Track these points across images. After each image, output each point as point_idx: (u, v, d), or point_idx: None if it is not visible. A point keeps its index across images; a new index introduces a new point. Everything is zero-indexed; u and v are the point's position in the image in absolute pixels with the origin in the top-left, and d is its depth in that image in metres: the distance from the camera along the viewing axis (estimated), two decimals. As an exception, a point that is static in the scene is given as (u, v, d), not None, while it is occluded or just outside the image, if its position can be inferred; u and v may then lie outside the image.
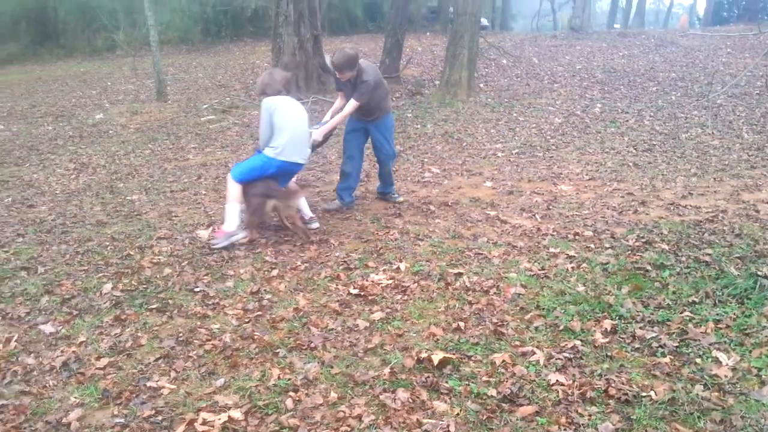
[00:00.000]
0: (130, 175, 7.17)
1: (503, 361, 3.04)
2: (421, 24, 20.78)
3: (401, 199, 5.71)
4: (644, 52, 15.02)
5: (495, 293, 3.79)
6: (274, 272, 4.30)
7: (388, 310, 3.68)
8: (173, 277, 4.32)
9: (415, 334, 3.39)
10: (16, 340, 3.56)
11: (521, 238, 4.63)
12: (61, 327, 3.71)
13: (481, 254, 4.38)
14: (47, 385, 3.15)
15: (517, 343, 3.23)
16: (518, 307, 3.61)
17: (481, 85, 11.28)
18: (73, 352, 3.42)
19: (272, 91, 4.80)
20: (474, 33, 10.47)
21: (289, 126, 4.74)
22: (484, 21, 19.96)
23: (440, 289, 3.90)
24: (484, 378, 2.93)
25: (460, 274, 4.06)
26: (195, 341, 3.49)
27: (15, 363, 3.34)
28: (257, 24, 21.25)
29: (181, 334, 3.57)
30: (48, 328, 3.69)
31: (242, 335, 3.51)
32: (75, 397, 3.02)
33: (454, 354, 3.13)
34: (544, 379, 2.88)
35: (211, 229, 5.16)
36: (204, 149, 8.37)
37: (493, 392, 2.81)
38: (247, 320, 3.69)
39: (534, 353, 3.11)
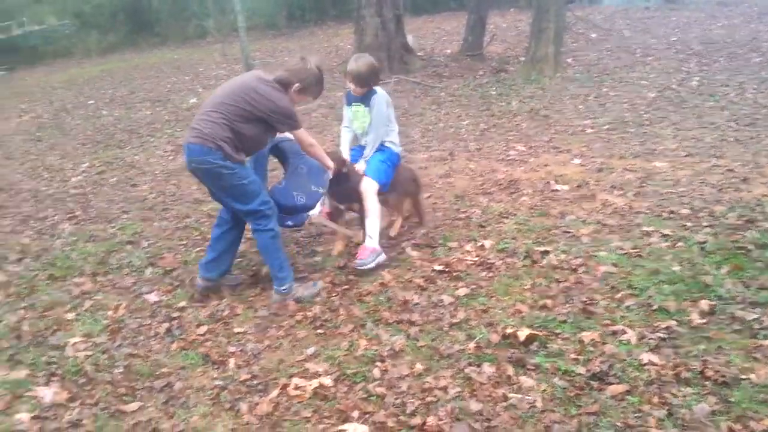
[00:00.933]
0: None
1: (592, 339, 2.99)
2: (506, 0, 20.27)
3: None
4: (746, 21, 14.04)
5: (584, 272, 3.71)
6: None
7: (473, 286, 3.68)
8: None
9: (500, 311, 3.38)
10: (124, 308, 3.82)
11: (612, 216, 4.49)
12: (164, 296, 3.96)
13: (569, 232, 4.29)
14: (152, 349, 3.38)
15: (608, 321, 3.16)
16: (609, 286, 3.51)
17: (569, 60, 10.91)
18: (175, 319, 3.65)
19: (378, 80, 4.31)
20: (560, 7, 10.13)
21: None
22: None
23: (526, 267, 3.86)
24: (572, 356, 2.89)
25: (546, 252, 3.99)
26: (286, 312, 3.63)
27: (124, 328, 3.61)
28: (340, 6, 21.37)
29: (273, 305, 3.72)
30: (152, 297, 3.95)
31: (330, 307, 3.62)
32: (178, 361, 3.23)
33: (540, 331, 3.10)
34: (636, 359, 2.81)
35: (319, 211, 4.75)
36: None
37: (581, 370, 2.77)
38: (335, 294, 3.80)
39: (625, 332, 3.03)
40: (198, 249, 4.62)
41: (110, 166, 7.53)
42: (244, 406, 2.81)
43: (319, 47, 16.01)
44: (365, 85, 4.13)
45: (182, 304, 3.84)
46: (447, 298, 3.56)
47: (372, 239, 4.06)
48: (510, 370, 2.83)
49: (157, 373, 3.13)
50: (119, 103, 11.75)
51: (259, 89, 3.55)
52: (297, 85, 3.65)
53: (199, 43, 20.24)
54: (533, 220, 4.57)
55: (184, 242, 4.84)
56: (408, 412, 2.65)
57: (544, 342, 3.02)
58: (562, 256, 3.92)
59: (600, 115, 7.44)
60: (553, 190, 5.14)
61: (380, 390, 2.81)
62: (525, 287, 3.61)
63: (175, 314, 3.72)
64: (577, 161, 5.86)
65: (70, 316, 3.80)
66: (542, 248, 4.06)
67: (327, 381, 2.90)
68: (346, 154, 4.31)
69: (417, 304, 3.55)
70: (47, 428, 2.76)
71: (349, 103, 4.30)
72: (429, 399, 2.71)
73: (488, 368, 2.86)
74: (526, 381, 2.75)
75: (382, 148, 4.28)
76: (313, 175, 3.91)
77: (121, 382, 3.08)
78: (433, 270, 3.95)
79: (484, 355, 2.98)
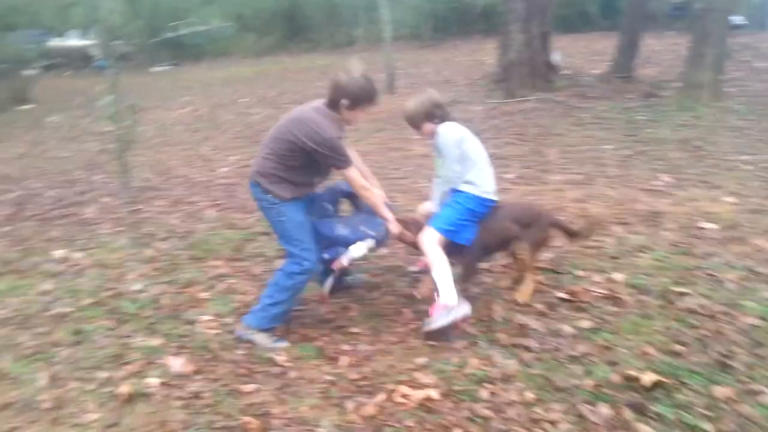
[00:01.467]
0: (358, 159, 7.67)
1: (726, 395, 2.73)
2: (663, 22, 19.17)
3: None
4: None
5: (725, 320, 3.40)
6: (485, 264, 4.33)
7: (598, 320, 3.50)
8: (387, 258, 4.56)
9: (625, 350, 3.18)
10: (253, 294, 4.04)
11: (764, 264, 4.09)
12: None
13: (713, 276, 3.96)
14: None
15: (746, 379, 2.87)
16: (752, 340, 3.19)
17: (729, 90, 10.11)
18: (297, 311, 3.79)
19: (436, 117, 3.64)
20: (722, 32, 9.43)
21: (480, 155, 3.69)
22: (739, 19, 17.82)
23: (660, 307, 3.60)
24: (701, 410, 2.66)
25: (685, 294, 3.71)
26: (401, 319, 3.66)
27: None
28: (486, 21, 21.29)
29: (389, 311, 3.77)
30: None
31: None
32: (295, 351, 3.36)
33: (668, 378, 2.89)
34: (774, 424, 2.54)
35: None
36: (425, 141, 8.64)
37: (709, 427, 2.54)
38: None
39: (765, 393, 2.75)
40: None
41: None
42: (350, 405, 2.86)
43: (461, 60, 16.06)
44: (419, 127, 3.68)
45: (305, 297, 3.99)
46: (567, 329, 3.42)
47: (443, 295, 3.46)
48: (628, 415, 2.66)
49: (275, 360, 3.27)
50: (268, 103, 12.46)
51: (305, 117, 3.30)
52: (345, 101, 3.30)
53: (346, 51, 20.97)
54: (673, 258, 4.27)
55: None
56: (513, 439, 2.57)
57: (670, 390, 2.81)
58: (702, 301, 3.62)
59: (760, 152, 6.83)
60: (699, 228, 4.77)
61: (486, 412, 2.75)
62: (656, 329, 3.38)
63: (299, 307, 3.87)
64: (729, 199, 5.41)
65: (205, 295, 4.07)
66: (680, 289, 3.77)
67: (434, 394, 2.89)
68: (434, 208, 3.81)
69: (535, 330, 3.44)
70: (172, 395, 2.97)
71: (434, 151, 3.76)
72: (536, 430, 2.61)
73: (605, 409, 2.71)
74: (645, 429, 2.57)
75: (454, 191, 3.65)
76: (369, 220, 3.57)
77: (242, 363, 3.26)
78: (556, 297, 3.81)
79: (602, 394, 2.82)
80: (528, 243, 3.71)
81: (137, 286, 4.20)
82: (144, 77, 19.26)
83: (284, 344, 3.44)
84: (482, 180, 3.61)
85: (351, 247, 3.51)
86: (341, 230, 3.55)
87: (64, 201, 6.66)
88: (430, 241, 3.53)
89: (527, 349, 3.25)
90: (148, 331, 3.61)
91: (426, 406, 2.83)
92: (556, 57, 12.06)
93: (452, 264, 3.54)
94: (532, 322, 3.50)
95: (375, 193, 3.50)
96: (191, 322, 3.70)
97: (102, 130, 9.14)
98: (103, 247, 5.07)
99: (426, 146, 8.26)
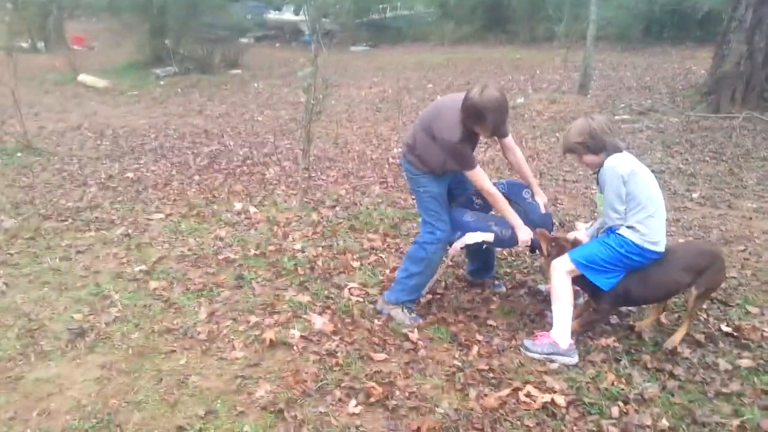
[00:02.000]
0: (531, 158, 7.51)
1: None
2: None
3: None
4: None
5: None
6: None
7: (761, 361, 3.15)
8: (539, 258, 4.45)
9: (787, 399, 2.85)
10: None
11: None
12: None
13: None
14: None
15: None
16: None
17: None
18: (437, 295, 3.86)
19: (602, 146, 3.15)
20: None
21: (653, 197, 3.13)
22: None
23: (841, 360, 3.17)
24: None
25: None
26: (541, 321, 3.58)
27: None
28: (705, 28, 19.50)
29: (530, 311, 3.70)
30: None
31: (590, 331, 3.45)
32: (429, 332, 3.43)
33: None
34: None
35: (589, 224, 5.08)
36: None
37: None
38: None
39: None
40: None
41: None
42: (473, 393, 2.87)
43: (669, 67, 14.92)
44: (579, 157, 3.25)
45: (447, 282, 4.04)
46: (724, 364, 3.11)
47: (556, 330, 3.21)
48: (774, 467, 2.39)
49: (408, 336, 3.37)
50: (454, 90, 12.56)
51: (444, 111, 3.28)
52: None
53: (544, 46, 20.45)
54: None
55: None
56: (636, 464, 2.43)
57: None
58: None
59: None
60: None
61: (613, 430, 2.62)
62: (832, 382, 2.98)
63: (439, 291, 3.93)
64: None
65: (356, 264, 4.28)
66: None
67: (560, 400, 2.80)
68: (584, 238, 3.43)
69: (686, 358, 3.18)
70: (309, 349, 3.19)
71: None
72: (664, 460, 2.44)
73: (746, 454, 2.45)
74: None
75: (612, 230, 3.19)
76: (504, 220, 3.44)
77: (377, 332, 3.39)
78: (719, 330, 3.48)
79: (748, 439, 2.56)
80: (700, 290, 3.24)
81: (298, 246, 4.53)
82: (343, 55, 20.34)
83: (419, 321, 3.53)
84: (649, 227, 3.06)
85: (468, 233, 3.47)
86: (468, 217, 3.53)
87: (251, 160, 7.32)
88: (561, 269, 3.20)
89: (673, 376, 3.03)
90: (299, 288, 3.89)
91: (550, 410, 2.76)
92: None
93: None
94: (686, 351, 3.23)
95: (500, 198, 3.36)
96: (339, 287, 3.92)
97: (296, 100, 9.88)
98: (276, 206, 5.51)
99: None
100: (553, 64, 16.13)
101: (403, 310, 3.56)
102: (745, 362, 3.14)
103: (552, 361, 3.14)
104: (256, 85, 14.16)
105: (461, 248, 3.58)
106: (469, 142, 3.32)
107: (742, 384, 2.95)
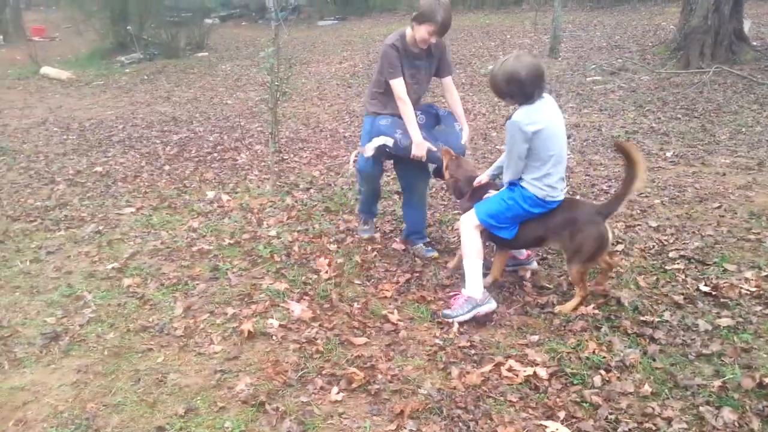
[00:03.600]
0: (502, 126, 7.46)
1: None
2: None
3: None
4: None
5: None
6: (620, 247, 4.08)
7: (740, 319, 3.17)
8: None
9: (765, 355, 2.87)
10: (377, 251, 4.13)
11: None
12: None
13: None
14: (389, 296, 3.60)
15: None
16: None
17: None
18: (417, 273, 3.83)
19: (523, 96, 3.13)
20: None
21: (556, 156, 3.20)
22: None
23: (818, 312, 3.20)
24: None
25: None
26: (520, 293, 3.57)
27: (372, 269, 3.91)
28: (674, -18, 19.50)
29: (508, 284, 3.69)
30: (400, 246, 4.20)
31: (566, 300, 3.45)
32: (409, 311, 3.41)
33: (812, 391, 2.57)
34: None
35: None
36: (581, 110, 8.22)
37: None
38: (572, 289, 3.60)
39: None
40: (456, 212, 4.76)
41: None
42: (455, 371, 2.85)
43: (638, 25, 14.89)
44: (503, 98, 3.27)
45: (430, 257, 4.02)
46: (704, 325, 3.13)
47: (468, 284, 3.31)
48: (755, 424, 2.40)
49: (388, 317, 3.34)
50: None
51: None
52: (414, 13, 3.69)
53: (513, 10, 20.28)
54: None
55: (445, 203, 5.01)
56: (620, 431, 2.43)
57: (811, 405, 2.50)
58: None
59: None
60: None
61: (596, 399, 2.62)
62: (808, 336, 3.01)
63: (418, 269, 3.90)
64: None
65: (333, 247, 4.23)
66: None
67: (542, 372, 2.80)
68: (484, 178, 3.53)
69: (666, 322, 3.19)
70: (288, 338, 3.15)
71: None
72: (647, 425, 2.45)
73: (729, 414, 2.46)
74: (773, 443, 2.32)
75: (513, 184, 3.31)
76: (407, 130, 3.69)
77: (356, 316, 3.36)
78: (697, 290, 3.50)
79: (729, 398, 2.57)
80: (567, 255, 3.34)
81: (273, 232, 4.46)
82: (312, 30, 20.04)
83: (371, 235, 4.31)
84: (550, 182, 3.19)
85: (375, 137, 3.78)
86: (382, 122, 3.79)
87: (221, 146, 7.20)
88: (469, 225, 3.36)
89: (654, 340, 3.04)
90: (276, 275, 3.83)
91: (532, 383, 2.75)
92: (746, 25, 10.80)
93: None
94: (666, 314, 3.25)
95: (409, 110, 3.66)
96: (316, 271, 3.87)
97: (265, 80, 9.71)
98: (249, 192, 5.43)
99: (580, 116, 7.85)
100: (523, 28, 16.02)
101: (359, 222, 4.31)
102: (724, 321, 3.15)
103: (475, 315, 3.24)
104: (223, 67, 13.90)
105: (373, 149, 3.79)
106: (404, 57, 3.71)
107: (722, 343, 2.97)
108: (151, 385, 2.81)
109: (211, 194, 5.35)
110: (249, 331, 3.16)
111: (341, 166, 6.12)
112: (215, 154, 6.82)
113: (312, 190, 5.37)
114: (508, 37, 14.89)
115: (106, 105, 10.57)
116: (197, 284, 3.74)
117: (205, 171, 6.15)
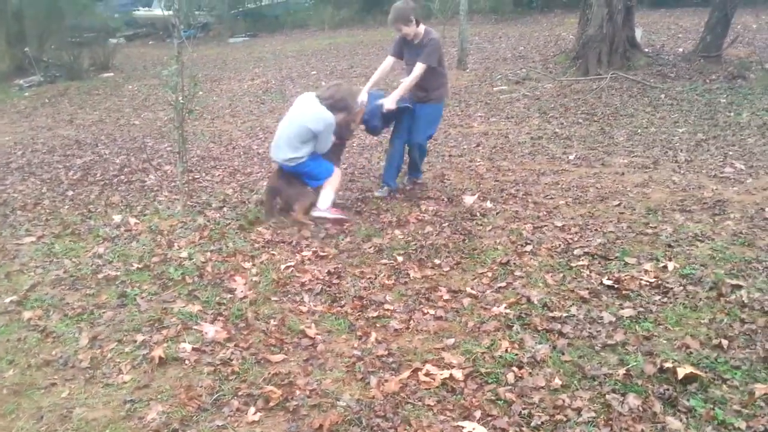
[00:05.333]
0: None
1: (765, 394, 2.56)
2: (766, -2, 17.79)
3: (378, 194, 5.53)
4: None
5: (780, 316, 3.19)
6: (528, 248, 4.22)
7: (641, 309, 3.35)
8: (432, 235, 4.51)
9: (665, 341, 3.04)
10: (293, 265, 4.09)
11: (835, 259, 3.79)
12: (324, 253, 4.17)
13: (774, 269, 3.71)
14: (307, 310, 3.56)
15: (792, 378, 2.69)
16: (807, 339, 2.98)
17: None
18: (333, 286, 3.82)
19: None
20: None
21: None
22: None
23: (710, 299, 3.41)
24: (735, 407, 2.51)
25: (738, 287, 3.49)
26: (435, 298, 3.62)
27: (288, 284, 3.86)
28: (571, -6, 20.52)
29: (424, 290, 3.74)
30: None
31: (482, 302, 3.54)
32: (327, 324, 3.38)
33: (705, 372, 2.73)
34: (817, 429, 2.36)
35: (476, 196, 5.23)
36: (489, 118, 8.47)
37: (741, 424, 2.39)
38: (490, 288, 3.70)
39: (813, 395, 2.56)
40: (372, 221, 4.78)
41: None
42: (374, 380, 2.86)
43: (540, 35, 15.55)
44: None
45: (345, 275, 4.01)
46: (608, 317, 3.28)
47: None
48: (657, 407, 2.54)
49: (306, 332, 3.31)
50: (338, 75, 12.49)
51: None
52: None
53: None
54: (732, 249, 4.02)
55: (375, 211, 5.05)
56: (533, 425, 2.50)
57: (705, 385, 2.65)
58: (756, 294, 3.40)
59: None
60: (766, 219, 4.47)
61: (510, 396, 2.69)
62: (702, 321, 3.20)
63: (335, 280, 3.89)
64: (806, 189, 5.03)
65: (248, 264, 4.16)
66: (734, 281, 3.55)
67: (458, 374, 2.85)
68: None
69: (573, 316, 3.32)
70: (202, 361, 3.06)
71: None
72: (558, 417, 2.54)
73: (633, 400, 2.59)
74: (673, 423, 2.44)
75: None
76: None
77: (273, 333, 3.31)
78: (601, 283, 3.67)
79: (633, 385, 2.70)
80: None
81: (184, 253, 4.33)
82: (222, 48, 19.74)
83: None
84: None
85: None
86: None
87: (128, 167, 6.94)
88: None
89: (562, 334, 3.15)
90: (188, 297, 3.72)
91: (449, 386, 2.79)
92: (638, 33, 11.47)
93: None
94: (573, 309, 3.38)
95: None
96: (231, 291, 3.79)
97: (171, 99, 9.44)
98: (158, 213, 5.25)
99: (488, 124, 8.08)
100: (433, 41, 16.37)
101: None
102: (626, 312, 3.32)
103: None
104: (130, 87, 13.44)
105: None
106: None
107: (626, 333, 3.12)
108: (55, 421, 2.66)
109: (117, 218, 5.14)
110: (160, 357, 3.05)
111: (255, 183, 6.03)
112: (122, 177, 6.56)
113: (225, 209, 5.26)
114: (418, 50, 15.17)
115: (4, 131, 9.98)
116: (104, 312, 3.57)
117: (111, 194, 5.90)
